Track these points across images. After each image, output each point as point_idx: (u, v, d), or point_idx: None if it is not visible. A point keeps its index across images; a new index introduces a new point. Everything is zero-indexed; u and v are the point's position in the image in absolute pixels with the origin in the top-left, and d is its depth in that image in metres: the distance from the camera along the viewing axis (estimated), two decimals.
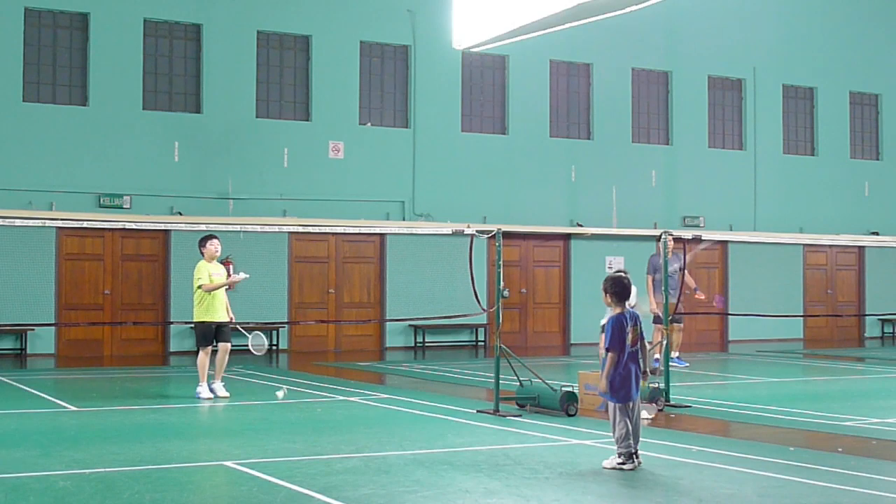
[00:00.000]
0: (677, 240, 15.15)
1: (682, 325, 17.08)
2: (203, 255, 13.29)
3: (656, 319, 16.21)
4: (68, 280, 20.18)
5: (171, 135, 20.82)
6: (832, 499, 7.05)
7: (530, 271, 23.93)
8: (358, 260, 22.35)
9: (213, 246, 13.27)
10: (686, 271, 16.52)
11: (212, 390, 12.88)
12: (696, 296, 17.39)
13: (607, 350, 8.07)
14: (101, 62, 20.48)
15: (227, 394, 12.93)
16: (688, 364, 17.48)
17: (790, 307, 25.71)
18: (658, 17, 23.48)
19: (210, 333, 13.09)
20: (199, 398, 12.73)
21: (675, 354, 17.45)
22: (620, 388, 8.08)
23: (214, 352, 13.12)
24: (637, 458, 8.08)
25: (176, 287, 20.53)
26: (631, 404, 8.12)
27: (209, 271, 13.10)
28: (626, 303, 8.20)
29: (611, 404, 8.14)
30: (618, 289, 8.14)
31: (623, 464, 8.02)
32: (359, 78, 22.48)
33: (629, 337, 8.09)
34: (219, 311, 13.06)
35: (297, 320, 21.29)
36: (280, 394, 12.92)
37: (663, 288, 12.82)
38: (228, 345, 13.21)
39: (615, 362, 8.04)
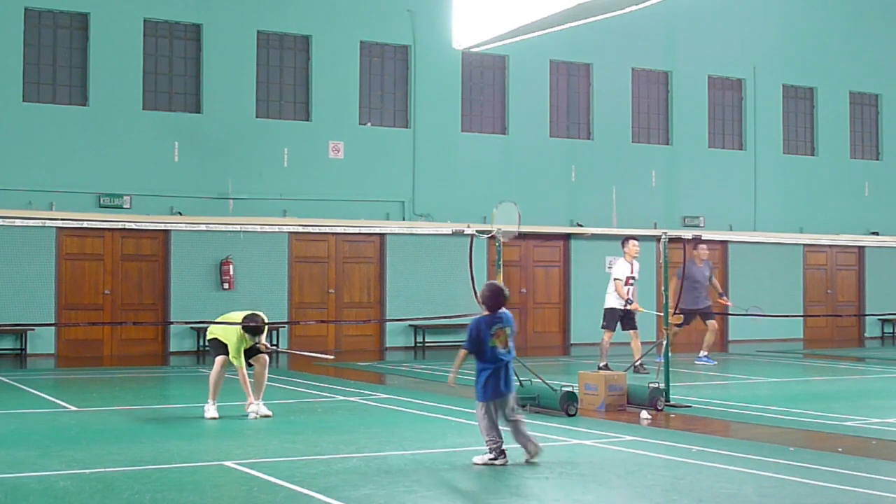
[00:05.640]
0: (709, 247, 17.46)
1: (713, 322, 18.39)
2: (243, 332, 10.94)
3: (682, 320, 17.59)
4: (68, 280, 20.18)
5: (171, 135, 20.82)
6: (832, 499, 7.05)
7: (530, 271, 23.94)
8: (358, 260, 22.35)
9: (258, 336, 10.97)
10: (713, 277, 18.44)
11: (250, 412, 11.05)
12: (723, 301, 18.76)
13: (465, 348, 8.56)
14: (101, 62, 20.48)
15: (269, 412, 11.07)
16: (716, 363, 18.21)
17: (790, 307, 25.70)
18: (658, 17, 23.46)
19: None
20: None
21: (704, 353, 18.08)
22: (483, 387, 8.40)
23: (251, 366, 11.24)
24: (505, 455, 8.20)
25: (176, 287, 20.56)
26: (494, 404, 8.36)
27: (240, 348, 10.95)
28: (501, 309, 8.59)
29: (476, 402, 8.46)
30: (490, 296, 8.59)
31: (494, 459, 8.17)
32: (359, 78, 22.47)
33: (494, 339, 8.41)
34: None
35: (297, 320, 21.28)
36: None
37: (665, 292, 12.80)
38: (265, 357, 11.24)
39: (463, 358, 8.51)
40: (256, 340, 11.05)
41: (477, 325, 8.42)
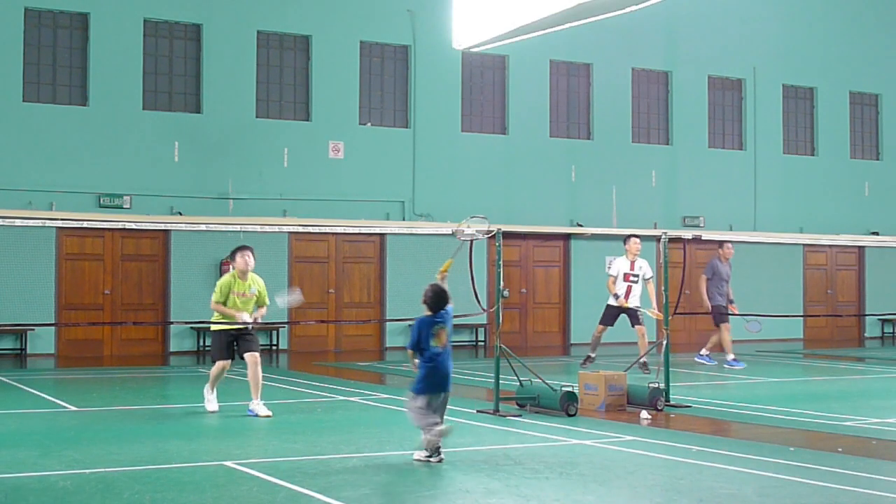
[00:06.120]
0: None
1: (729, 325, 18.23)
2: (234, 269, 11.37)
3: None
4: (68, 280, 20.18)
5: (171, 135, 20.82)
6: (832, 499, 7.05)
7: (530, 271, 23.93)
8: (358, 260, 22.35)
9: (243, 259, 11.28)
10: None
11: (251, 411, 11.14)
12: (730, 307, 18.44)
13: (408, 347, 8.82)
14: (101, 62, 20.48)
15: (270, 412, 11.07)
16: (745, 365, 17.88)
17: (790, 307, 25.70)
18: (658, 17, 23.47)
19: (224, 347, 11.32)
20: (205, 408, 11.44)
21: (705, 352, 18.00)
22: (419, 382, 8.54)
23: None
24: (440, 453, 8.31)
25: (176, 287, 20.55)
26: (427, 399, 8.48)
27: (232, 289, 11.24)
28: (445, 309, 8.72)
29: (409, 392, 8.62)
30: (433, 298, 8.72)
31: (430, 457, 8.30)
32: (359, 78, 22.47)
33: (434, 340, 8.60)
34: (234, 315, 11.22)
35: (297, 320, 21.28)
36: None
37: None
38: (255, 354, 11.28)
39: (413, 357, 8.73)
40: (244, 268, 11.21)
41: (419, 326, 8.65)
